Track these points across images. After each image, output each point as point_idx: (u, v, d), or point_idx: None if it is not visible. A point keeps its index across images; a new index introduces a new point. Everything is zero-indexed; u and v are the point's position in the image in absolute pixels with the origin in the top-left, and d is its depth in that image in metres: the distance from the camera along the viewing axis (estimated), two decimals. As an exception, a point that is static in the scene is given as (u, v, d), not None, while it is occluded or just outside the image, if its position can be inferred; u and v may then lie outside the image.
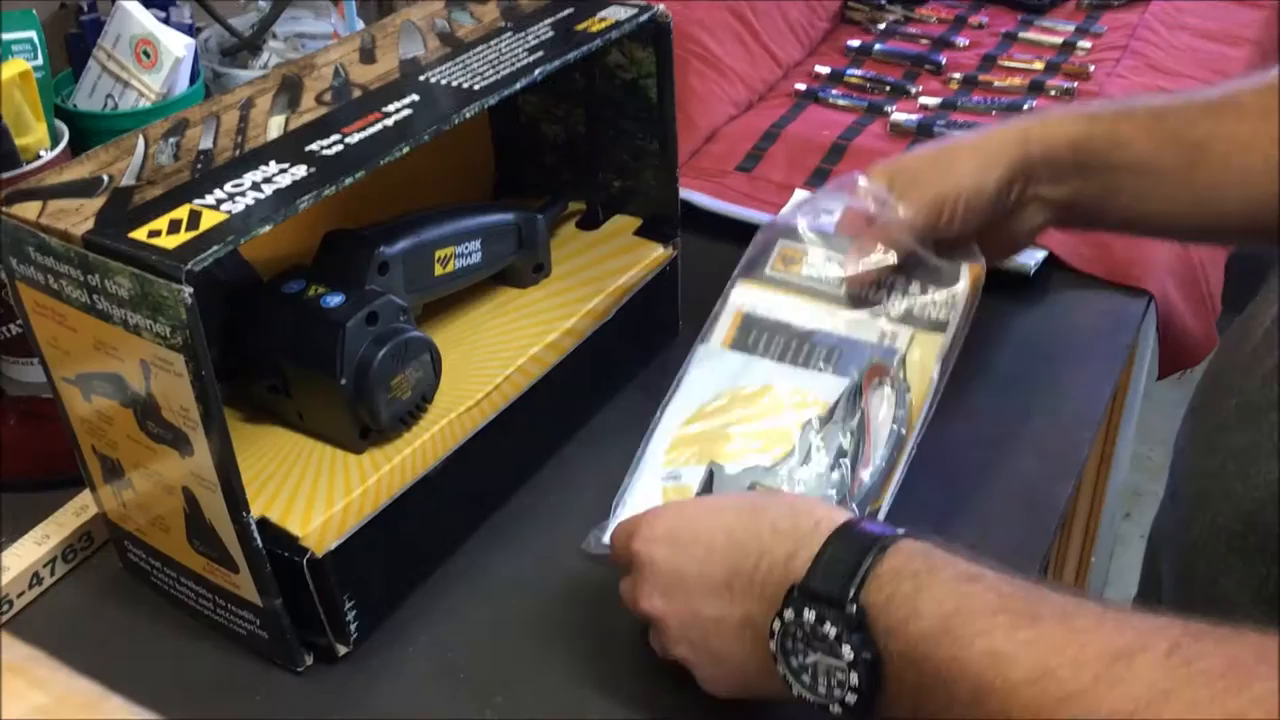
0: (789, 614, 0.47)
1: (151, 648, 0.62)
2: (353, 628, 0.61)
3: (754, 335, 0.67)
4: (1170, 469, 0.56)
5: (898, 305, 0.67)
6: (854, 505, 0.59)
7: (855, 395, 0.63)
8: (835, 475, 0.60)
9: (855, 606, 0.45)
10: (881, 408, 0.62)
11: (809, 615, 0.46)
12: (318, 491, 0.61)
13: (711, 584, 0.51)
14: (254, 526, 0.56)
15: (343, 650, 0.61)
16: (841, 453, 0.61)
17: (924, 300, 0.67)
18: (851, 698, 0.46)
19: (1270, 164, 0.62)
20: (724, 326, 0.68)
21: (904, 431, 0.62)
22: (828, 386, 0.64)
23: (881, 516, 0.60)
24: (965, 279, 0.67)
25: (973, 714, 0.42)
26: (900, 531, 0.48)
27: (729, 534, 0.51)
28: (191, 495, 0.56)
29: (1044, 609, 0.42)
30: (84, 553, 0.67)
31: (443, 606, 0.64)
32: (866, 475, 0.60)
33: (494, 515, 0.69)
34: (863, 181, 0.68)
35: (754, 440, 0.63)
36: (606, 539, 0.59)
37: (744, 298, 0.69)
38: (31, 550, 0.65)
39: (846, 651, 0.45)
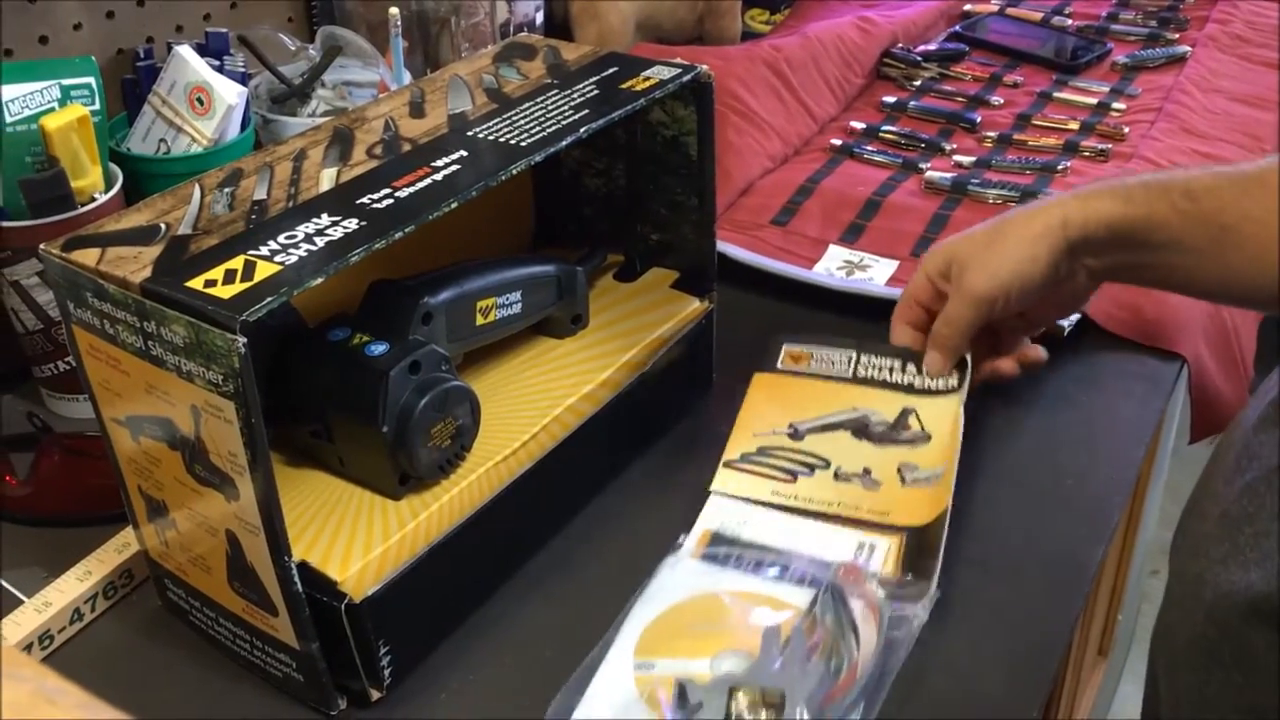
0: None
1: (187, 687, 0.63)
2: (387, 673, 0.61)
3: (724, 551, 0.67)
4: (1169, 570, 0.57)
5: (879, 376, 0.76)
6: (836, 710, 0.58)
7: (836, 598, 0.61)
8: (813, 671, 0.58)
9: None
10: (866, 625, 0.61)
11: None
12: (356, 537, 0.62)
13: None
14: (295, 571, 0.57)
15: (376, 695, 0.62)
16: (830, 656, 0.59)
17: (909, 378, 0.75)
18: None
19: None
20: (693, 541, 0.68)
21: (886, 673, 0.60)
22: (801, 597, 0.64)
23: None
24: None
25: None
26: None
27: None
28: (234, 538, 0.58)
29: None
30: (124, 589, 0.68)
31: (475, 654, 0.65)
32: (848, 695, 0.58)
33: (527, 564, 0.70)
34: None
35: (726, 640, 0.61)
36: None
37: (712, 512, 0.70)
38: (74, 586, 0.66)
39: None
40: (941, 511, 0.68)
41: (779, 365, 0.77)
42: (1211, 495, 0.52)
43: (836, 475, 0.72)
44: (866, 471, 0.72)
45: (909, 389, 0.75)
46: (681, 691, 0.58)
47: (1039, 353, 0.78)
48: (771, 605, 0.63)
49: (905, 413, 0.74)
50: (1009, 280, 0.70)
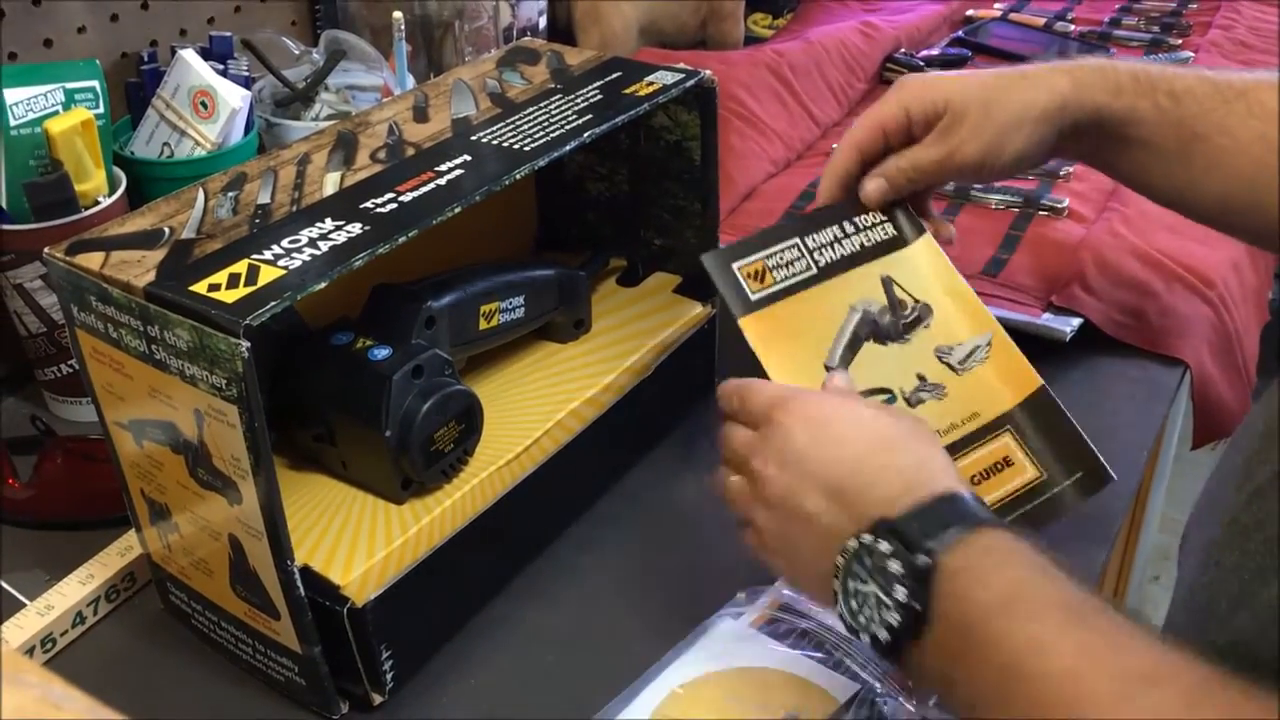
0: (867, 538, 0.49)
1: (189, 690, 0.63)
2: (388, 677, 0.61)
3: (787, 625, 0.63)
4: (1176, 579, 0.56)
5: (835, 253, 0.72)
6: None
7: (871, 704, 0.58)
8: None
9: (927, 559, 0.47)
10: None
11: (884, 546, 0.49)
12: (359, 541, 0.62)
13: (826, 483, 0.53)
14: (298, 575, 0.56)
15: (378, 699, 0.62)
16: None
17: (856, 239, 0.73)
18: (885, 635, 0.48)
19: (1257, 169, 0.67)
20: (759, 608, 0.64)
21: None
22: (846, 692, 0.60)
23: None
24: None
25: (997, 691, 0.44)
26: (1005, 521, 0.50)
27: (860, 453, 0.54)
28: (237, 542, 0.58)
29: (1099, 620, 0.44)
30: (126, 593, 0.68)
31: (476, 657, 0.65)
32: None
33: (529, 568, 0.70)
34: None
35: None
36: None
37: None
38: (76, 589, 0.66)
39: (899, 592, 0.48)
40: (1036, 389, 0.69)
41: (752, 296, 0.70)
42: (1220, 502, 0.52)
43: (908, 402, 0.70)
44: (922, 379, 0.70)
45: (863, 255, 0.72)
46: None
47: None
48: (809, 694, 0.59)
49: (887, 285, 0.72)
50: (1009, 159, 0.70)
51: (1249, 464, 0.50)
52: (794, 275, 0.70)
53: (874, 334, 0.71)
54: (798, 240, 0.71)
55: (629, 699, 0.60)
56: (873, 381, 0.69)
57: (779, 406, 0.57)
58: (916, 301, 0.72)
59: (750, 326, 0.69)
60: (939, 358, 0.71)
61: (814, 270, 0.71)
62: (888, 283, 0.72)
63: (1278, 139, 0.66)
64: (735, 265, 0.70)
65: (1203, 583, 0.50)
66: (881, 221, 0.74)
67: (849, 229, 0.73)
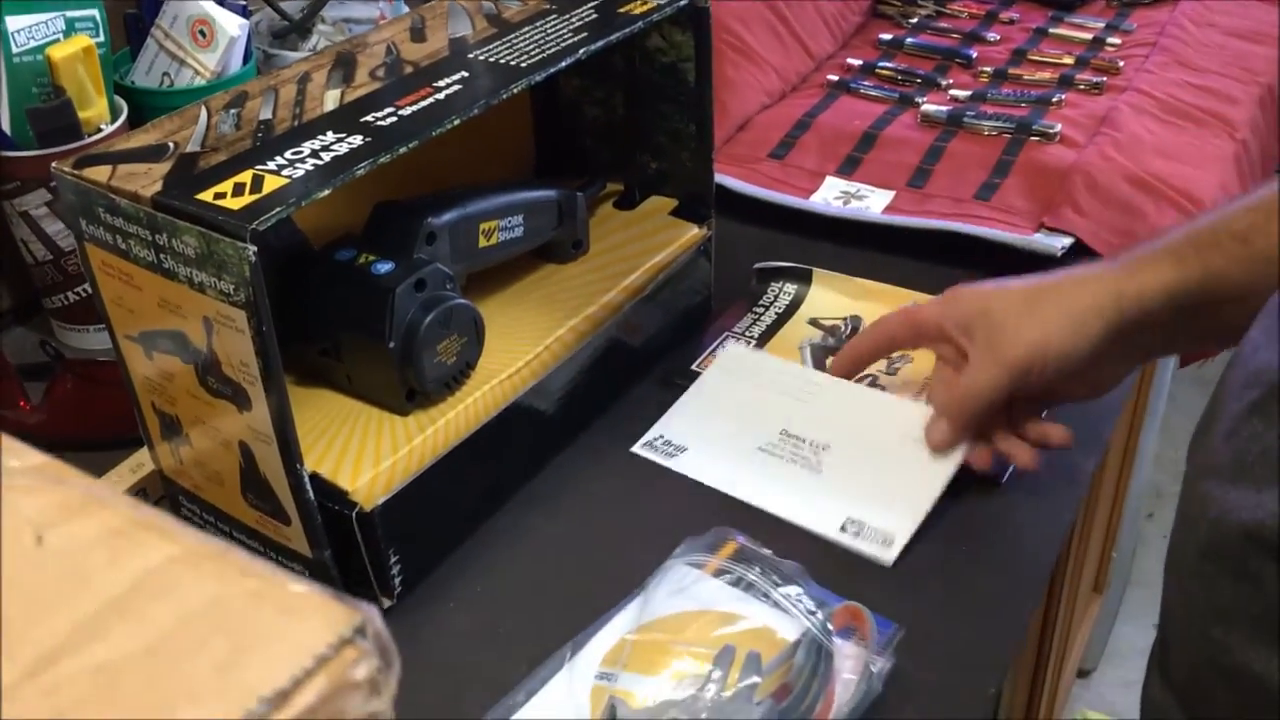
0: None
1: (203, 598, 0.65)
2: (397, 581, 0.63)
3: (742, 570, 0.63)
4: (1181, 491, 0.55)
5: (761, 325, 0.84)
6: None
7: (820, 646, 0.58)
8: (760, 708, 0.55)
9: None
10: (847, 662, 0.57)
11: None
12: (366, 450, 0.63)
13: None
14: (307, 479, 0.58)
15: (387, 603, 0.63)
16: (790, 693, 0.56)
17: (770, 313, 0.86)
18: None
19: None
20: (714, 555, 0.64)
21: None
22: (796, 629, 0.59)
23: None
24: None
25: None
26: None
27: None
28: (248, 449, 0.59)
29: None
30: (139, 508, 0.70)
31: (483, 564, 0.66)
32: None
33: (533, 480, 0.71)
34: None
35: (692, 663, 0.58)
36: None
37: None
38: (90, 504, 0.67)
39: None
40: None
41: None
42: (1220, 414, 0.51)
43: (891, 374, 0.77)
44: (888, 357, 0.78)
45: (782, 318, 0.84)
46: (613, 711, 0.56)
47: (1062, 434, 0.69)
48: (760, 635, 0.59)
49: (814, 323, 0.83)
50: (1053, 351, 0.64)
51: (1249, 378, 0.49)
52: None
53: (827, 353, 0.79)
54: (727, 333, 0.83)
55: (579, 646, 0.59)
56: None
57: None
58: (844, 319, 0.83)
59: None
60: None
61: (754, 340, 0.82)
62: (814, 321, 0.84)
63: None
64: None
65: (1200, 492, 0.49)
66: (778, 287, 0.86)
67: (758, 310, 0.85)
